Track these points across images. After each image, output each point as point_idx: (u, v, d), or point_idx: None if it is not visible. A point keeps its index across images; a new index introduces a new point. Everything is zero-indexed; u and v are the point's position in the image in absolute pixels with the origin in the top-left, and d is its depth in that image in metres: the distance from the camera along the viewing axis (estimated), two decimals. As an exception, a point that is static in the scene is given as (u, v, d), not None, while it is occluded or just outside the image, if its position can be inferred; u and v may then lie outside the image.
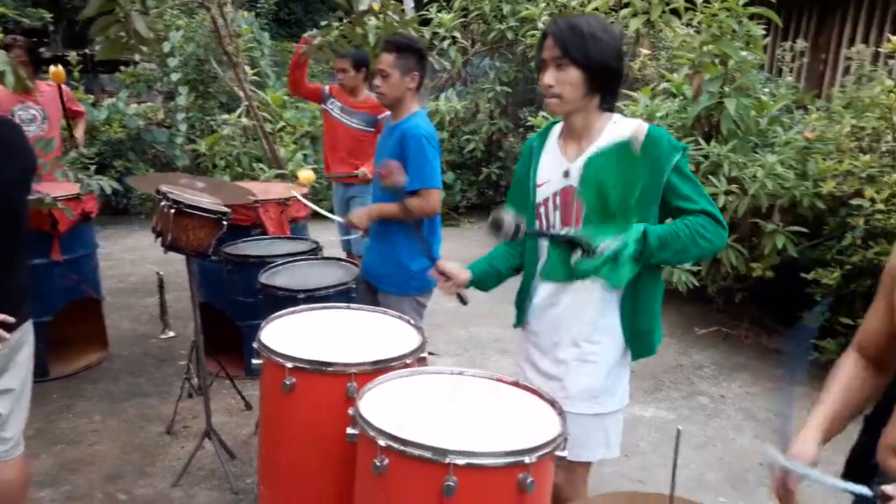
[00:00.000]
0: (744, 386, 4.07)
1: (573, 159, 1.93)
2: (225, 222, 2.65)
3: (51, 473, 3.00)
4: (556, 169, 1.97)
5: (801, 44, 6.16)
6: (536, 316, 2.03)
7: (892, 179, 3.64)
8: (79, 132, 4.81)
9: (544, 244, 2.00)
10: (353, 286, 2.67)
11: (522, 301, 2.09)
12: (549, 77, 1.83)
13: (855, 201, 3.72)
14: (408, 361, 1.97)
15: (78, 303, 4.02)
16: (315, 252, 3.21)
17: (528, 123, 6.51)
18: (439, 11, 8.05)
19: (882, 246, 3.64)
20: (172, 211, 2.53)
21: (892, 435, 1.31)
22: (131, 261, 6.35)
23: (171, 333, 4.59)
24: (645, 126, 1.87)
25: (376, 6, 3.31)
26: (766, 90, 5.36)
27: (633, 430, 3.48)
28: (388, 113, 4.55)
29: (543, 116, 6.17)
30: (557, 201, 1.97)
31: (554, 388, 1.93)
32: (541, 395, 1.77)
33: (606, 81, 1.84)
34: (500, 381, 1.87)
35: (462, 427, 1.61)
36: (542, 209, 2.00)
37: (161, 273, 4.53)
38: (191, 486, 2.93)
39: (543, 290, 2.00)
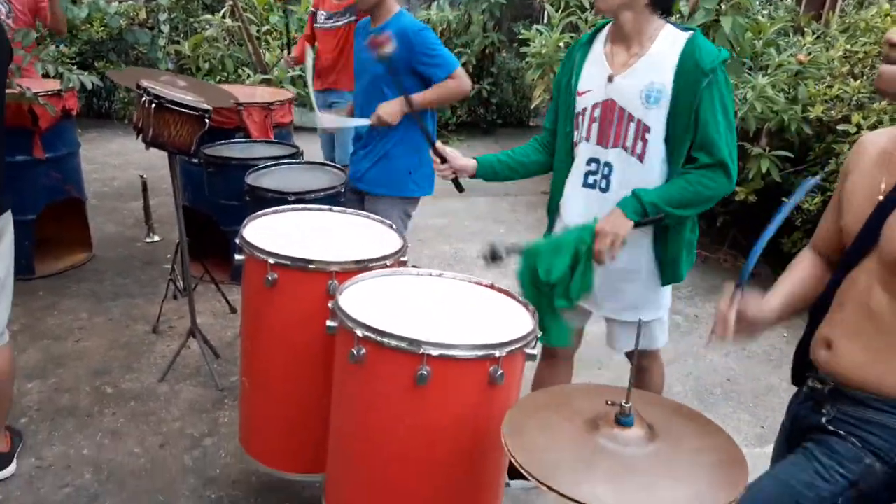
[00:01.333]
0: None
1: (620, 68, 1.89)
2: (207, 120, 2.62)
3: (38, 367, 3.07)
4: (599, 76, 1.93)
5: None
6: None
7: (880, 106, 3.64)
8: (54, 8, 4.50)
9: (580, 149, 2.02)
10: (343, 190, 2.67)
11: (553, 209, 2.17)
12: None
13: (841, 127, 3.72)
14: (388, 263, 2.01)
15: (62, 203, 4.00)
16: (296, 156, 3.19)
17: (521, 37, 6.36)
18: None
19: (864, 172, 3.66)
20: (153, 106, 2.49)
21: (824, 329, 1.38)
22: (115, 165, 6.28)
23: (157, 237, 4.59)
24: (682, 39, 1.83)
25: None
26: (765, 12, 5.26)
27: (608, 343, 3.58)
28: None
29: (538, 30, 6.03)
30: (596, 114, 1.95)
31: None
32: (515, 298, 1.82)
33: None
34: (478, 283, 1.91)
35: (438, 322, 1.66)
36: (580, 119, 1.99)
37: (145, 176, 4.50)
38: (176, 381, 3.02)
39: (576, 205, 2.05)
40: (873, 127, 3.59)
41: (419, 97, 2.68)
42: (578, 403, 1.29)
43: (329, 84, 4.50)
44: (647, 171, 1.90)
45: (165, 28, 7.36)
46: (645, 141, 1.87)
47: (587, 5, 6.23)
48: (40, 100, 3.51)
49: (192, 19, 7.53)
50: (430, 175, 2.95)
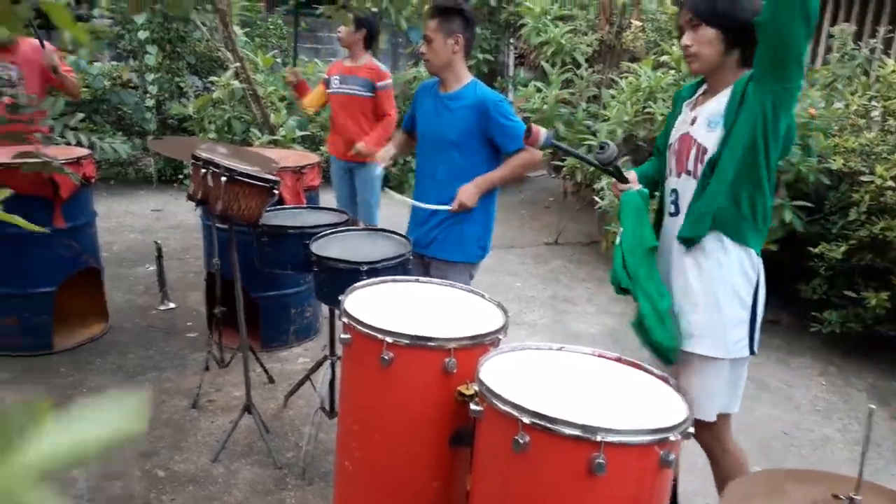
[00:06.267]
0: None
1: (701, 108, 2.03)
2: (276, 191, 2.56)
3: (77, 452, 2.87)
4: (688, 116, 2.07)
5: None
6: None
7: (897, 157, 3.78)
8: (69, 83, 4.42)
9: (667, 182, 2.14)
10: (410, 258, 2.62)
11: None
12: (686, 38, 1.92)
13: (866, 178, 3.84)
14: (500, 337, 1.96)
15: (78, 273, 3.83)
16: (349, 223, 3.12)
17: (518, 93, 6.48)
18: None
19: (887, 222, 3.78)
20: (224, 179, 2.42)
21: None
22: (108, 229, 6.07)
23: (171, 304, 4.43)
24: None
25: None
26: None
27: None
28: (388, 81, 4.46)
29: (535, 86, 6.14)
30: (676, 147, 2.09)
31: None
32: (648, 370, 1.78)
33: (745, 36, 1.85)
34: (602, 356, 1.87)
35: (591, 401, 1.61)
36: (668, 152, 2.14)
37: (159, 242, 4.36)
38: (231, 461, 2.86)
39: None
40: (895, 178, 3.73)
41: (494, 176, 2.72)
42: (794, 494, 1.25)
43: (347, 153, 4.48)
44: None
45: (153, 89, 7.26)
46: (702, 162, 1.99)
47: (581, 62, 6.40)
48: (65, 169, 3.38)
49: (177, 79, 7.45)
50: (490, 237, 2.95)
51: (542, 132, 2.17)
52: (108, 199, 7.05)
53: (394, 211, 5.15)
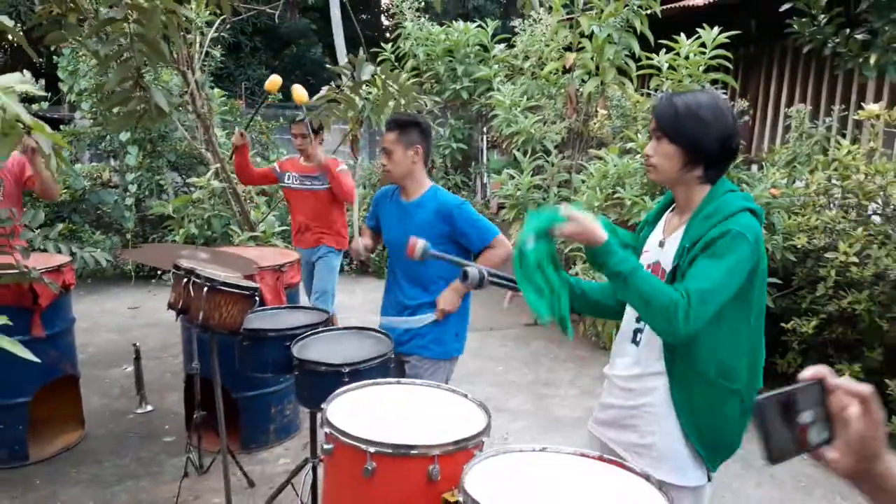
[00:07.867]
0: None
1: (670, 233, 1.94)
2: (256, 298, 2.59)
3: (51, 574, 2.78)
4: (655, 239, 1.99)
5: (741, 102, 6.60)
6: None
7: (859, 234, 3.92)
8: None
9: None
10: (392, 357, 2.63)
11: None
12: (648, 147, 1.89)
13: (830, 254, 3.97)
14: (484, 439, 1.97)
15: (54, 381, 3.78)
16: (328, 323, 3.14)
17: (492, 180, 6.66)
18: (392, 70, 8.19)
19: (854, 295, 3.89)
20: (205, 289, 2.45)
21: None
22: (85, 329, 6.01)
23: (149, 407, 4.36)
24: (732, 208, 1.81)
25: (377, 79, 3.35)
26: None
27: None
28: (343, 166, 4.53)
29: (508, 174, 6.32)
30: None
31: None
32: (630, 469, 1.80)
33: (707, 158, 1.82)
34: (584, 455, 1.88)
35: (574, 508, 1.62)
36: None
37: (138, 345, 4.33)
38: (211, 576, 2.77)
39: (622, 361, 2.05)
40: (858, 253, 3.86)
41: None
42: None
43: (313, 243, 4.59)
44: None
45: (132, 188, 7.35)
46: None
47: (551, 149, 6.63)
48: (44, 279, 3.39)
49: (157, 177, 7.56)
50: (466, 327, 2.98)
51: (419, 243, 2.24)
52: (84, 299, 7.01)
53: (365, 299, 5.18)
